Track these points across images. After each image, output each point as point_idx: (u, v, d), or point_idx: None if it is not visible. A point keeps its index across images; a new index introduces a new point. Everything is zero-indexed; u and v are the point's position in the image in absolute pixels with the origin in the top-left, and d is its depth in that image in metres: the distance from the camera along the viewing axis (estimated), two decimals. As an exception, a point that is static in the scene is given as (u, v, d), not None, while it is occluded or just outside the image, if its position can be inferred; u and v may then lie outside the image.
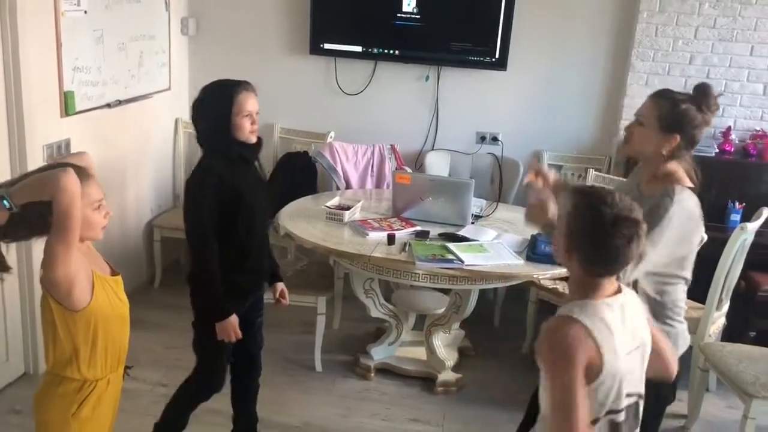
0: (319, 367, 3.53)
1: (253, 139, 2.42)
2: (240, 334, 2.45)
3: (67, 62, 3.26)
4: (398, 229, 3.17)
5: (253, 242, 2.49)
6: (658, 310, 2.11)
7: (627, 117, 4.14)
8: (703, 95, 2.12)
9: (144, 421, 2.77)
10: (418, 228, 3.21)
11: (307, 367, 3.53)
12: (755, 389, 2.76)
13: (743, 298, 3.52)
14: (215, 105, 2.37)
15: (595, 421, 1.59)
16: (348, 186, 4.16)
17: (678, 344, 2.14)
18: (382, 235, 3.09)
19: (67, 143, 3.34)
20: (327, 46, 4.32)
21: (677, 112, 2.10)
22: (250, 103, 2.37)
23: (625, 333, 1.61)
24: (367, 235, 3.10)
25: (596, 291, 1.62)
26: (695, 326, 3.15)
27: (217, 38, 4.52)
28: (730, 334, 3.46)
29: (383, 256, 2.94)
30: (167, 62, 4.26)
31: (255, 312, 2.66)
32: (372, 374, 3.47)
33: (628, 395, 1.63)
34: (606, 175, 3.98)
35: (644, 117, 2.16)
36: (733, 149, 3.94)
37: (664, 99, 2.14)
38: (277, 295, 2.74)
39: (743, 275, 3.35)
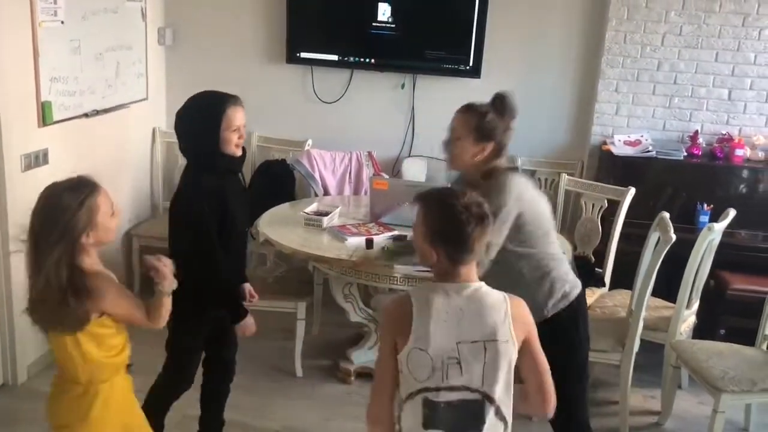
0: (299, 372, 3.55)
1: (239, 153, 2.45)
2: (255, 328, 2.57)
3: (44, 72, 3.27)
4: (376, 234, 3.21)
5: (233, 250, 2.53)
6: (526, 262, 2.31)
7: (598, 122, 4.25)
8: (502, 104, 2.38)
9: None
10: (396, 233, 3.26)
11: (287, 372, 3.56)
12: (724, 384, 2.85)
13: (713, 297, 3.61)
14: (203, 119, 2.37)
15: (410, 396, 1.70)
16: (326, 193, 4.20)
17: (549, 299, 2.31)
18: (361, 240, 3.13)
19: (45, 153, 3.34)
20: (304, 55, 4.36)
21: (485, 122, 2.33)
22: (238, 117, 2.39)
23: (458, 319, 1.69)
24: (346, 240, 3.15)
25: (453, 278, 1.74)
26: (667, 325, 3.24)
27: (194, 48, 4.54)
28: (700, 331, 3.55)
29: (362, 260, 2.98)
30: (144, 72, 4.28)
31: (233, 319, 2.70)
32: (352, 378, 3.50)
33: (454, 388, 1.68)
34: (579, 179, 4.07)
35: (458, 132, 2.37)
36: (700, 153, 4.05)
37: (472, 112, 2.37)
38: (248, 297, 2.77)
39: (712, 274, 3.44)
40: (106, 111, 3.84)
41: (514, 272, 2.28)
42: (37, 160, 3.29)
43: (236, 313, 2.54)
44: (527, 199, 2.30)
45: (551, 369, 1.79)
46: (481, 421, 1.70)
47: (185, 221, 2.41)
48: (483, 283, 1.77)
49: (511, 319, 1.71)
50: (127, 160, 4.24)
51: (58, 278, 1.79)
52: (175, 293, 2.48)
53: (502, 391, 1.71)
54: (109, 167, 4.01)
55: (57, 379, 2.02)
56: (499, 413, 1.72)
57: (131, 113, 4.15)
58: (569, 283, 2.37)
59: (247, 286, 2.78)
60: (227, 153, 2.40)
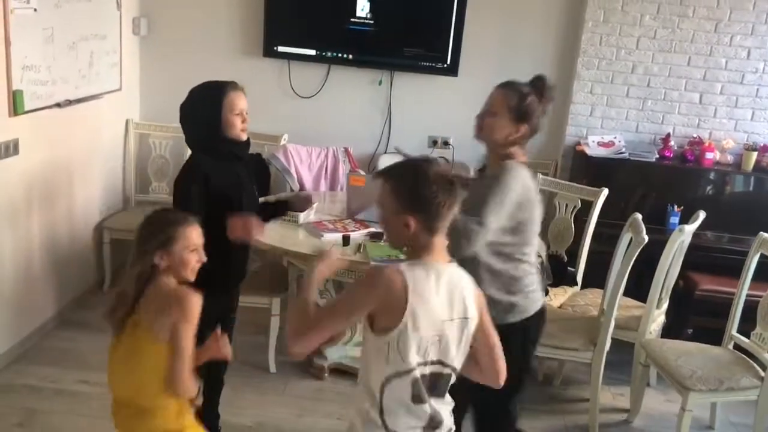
0: (273, 368, 3.54)
1: (244, 137, 2.45)
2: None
3: (16, 61, 3.19)
4: (353, 231, 3.21)
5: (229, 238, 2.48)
6: (494, 279, 2.28)
7: (573, 123, 4.30)
8: (543, 87, 2.33)
9: (98, 424, 2.75)
10: (373, 229, 3.26)
11: (261, 368, 3.54)
12: (692, 383, 2.90)
13: (681, 297, 3.68)
14: (206, 104, 2.38)
15: (398, 375, 1.68)
16: (302, 188, 4.18)
17: (507, 314, 2.29)
18: (337, 236, 3.13)
19: (15, 143, 3.27)
20: (281, 48, 4.34)
21: (525, 104, 2.29)
22: (240, 101, 2.40)
23: (440, 298, 1.69)
24: (322, 236, 3.14)
25: (430, 252, 1.71)
26: (637, 324, 3.29)
27: (169, 39, 4.49)
28: (669, 331, 3.61)
29: (338, 257, 2.97)
30: (118, 62, 4.21)
31: (230, 313, 2.71)
32: (326, 374, 3.50)
33: (431, 363, 1.71)
34: (553, 179, 4.11)
35: (495, 107, 2.33)
36: (672, 155, 4.12)
37: (513, 91, 2.32)
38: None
39: (682, 275, 3.51)
40: (79, 101, 3.77)
41: (480, 285, 2.16)
42: (7, 150, 3.22)
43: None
44: (530, 196, 2.28)
45: None
46: (444, 392, 1.78)
47: (174, 201, 2.40)
48: (455, 264, 1.77)
49: (473, 297, 1.76)
50: (100, 151, 4.18)
51: (130, 288, 1.94)
52: None
53: (461, 362, 1.78)
54: (81, 158, 3.95)
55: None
56: (454, 386, 1.79)
57: (105, 104, 4.09)
58: (531, 300, 2.34)
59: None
60: (231, 137, 2.40)
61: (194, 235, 1.99)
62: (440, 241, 1.73)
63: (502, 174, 2.24)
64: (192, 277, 1.99)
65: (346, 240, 3.10)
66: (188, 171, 2.41)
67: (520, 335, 2.32)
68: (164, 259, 1.93)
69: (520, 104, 2.28)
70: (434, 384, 1.73)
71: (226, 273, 2.53)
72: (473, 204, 2.12)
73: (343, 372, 3.52)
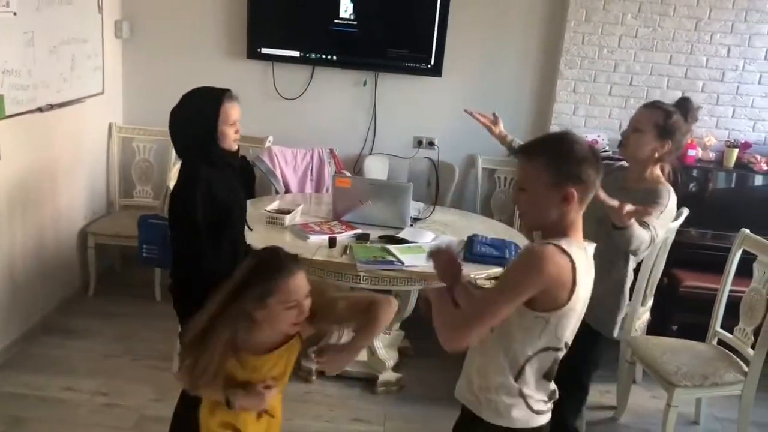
0: (260, 371, 3.53)
1: (235, 147, 2.43)
2: None
3: (-5, 65, 3.17)
4: (339, 233, 3.21)
5: (226, 245, 2.42)
6: (625, 293, 2.59)
7: (556, 122, 4.32)
8: (688, 107, 2.49)
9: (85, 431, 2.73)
10: (359, 231, 3.26)
11: (248, 371, 3.53)
12: (677, 379, 2.93)
13: (666, 294, 3.71)
14: (201, 115, 2.33)
15: (545, 350, 1.70)
16: (287, 190, 4.18)
17: (616, 328, 2.61)
18: (324, 239, 3.12)
19: (-3, 148, 3.25)
20: (264, 50, 4.33)
21: (670, 122, 2.43)
22: (234, 112, 2.37)
23: (589, 278, 1.71)
24: (308, 238, 3.14)
25: (577, 229, 1.69)
26: (623, 321, 3.31)
27: (151, 42, 4.46)
28: (654, 328, 3.64)
29: (325, 259, 2.97)
30: (101, 66, 4.18)
31: None
32: (313, 377, 3.49)
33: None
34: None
35: (641, 124, 2.47)
36: (655, 153, 4.15)
37: (658, 110, 2.47)
38: None
39: (666, 272, 3.53)
40: (60, 105, 3.74)
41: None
42: (-12, 155, 3.19)
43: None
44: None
45: None
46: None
47: (178, 210, 2.32)
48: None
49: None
50: (83, 155, 4.14)
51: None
52: (178, 300, 2.36)
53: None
54: (63, 163, 3.92)
55: None
56: None
57: (87, 108, 4.06)
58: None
59: None
60: (224, 147, 2.38)
61: (294, 287, 1.81)
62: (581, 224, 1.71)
63: (661, 191, 2.42)
64: (278, 333, 1.89)
65: (332, 242, 3.10)
66: (188, 178, 2.34)
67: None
68: (260, 314, 1.79)
69: (665, 122, 2.43)
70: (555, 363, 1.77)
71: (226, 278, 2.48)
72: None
73: (331, 375, 3.52)
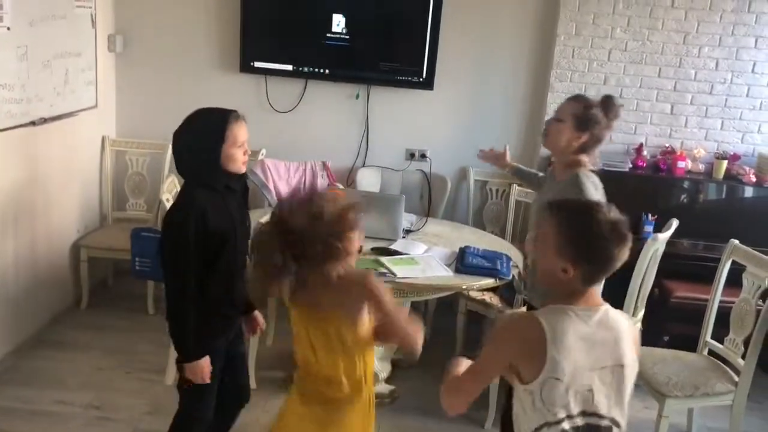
0: (253, 383, 3.50)
1: (244, 169, 2.32)
2: (208, 379, 2.31)
3: (-11, 79, 3.19)
4: (331, 245, 3.22)
5: (235, 271, 2.39)
6: None
7: (548, 134, 4.35)
8: (609, 104, 2.57)
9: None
10: (351, 243, 3.27)
11: (241, 384, 3.52)
12: (668, 389, 2.95)
13: (657, 305, 3.72)
14: (206, 137, 2.24)
15: (546, 426, 1.61)
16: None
17: None
18: (316, 251, 3.13)
19: (-10, 162, 3.26)
20: (257, 64, 4.35)
21: (589, 114, 2.50)
22: (243, 132, 2.27)
23: (591, 346, 1.60)
24: (301, 251, 3.14)
25: (580, 299, 1.62)
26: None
27: (145, 55, 4.48)
28: (645, 338, 3.63)
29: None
30: (94, 80, 4.20)
31: (238, 341, 2.57)
32: (307, 389, 3.49)
33: (586, 414, 1.62)
34: (529, 191, 4.16)
35: (562, 114, 2.57)
36: (645, 164, 4.19)
37: (579, 102, 2.55)
38: (256, 329, 2.66)
39: (656, 283, 3.53)
40: (54, 119, 3.75)
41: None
42: (-19, 169, 3.20)
43: (186, 349, 2.28)
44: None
45: None
46: None
47: (167, 232, 2.25)
48: (608, 305, 1.67)
49: (630, 341, 1.66)
50: (76, 169, 4.15)
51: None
52: (172, 332, 2.29)
53: (625, 413, 1.68)
54: (57, 176, 3.92)
55: None
56: None
57: (80, 121, 4.07)
58: None
59: (256, 315, 2.63)
60: (231, 170, 2.27)
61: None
62: (595, 289, 1.63)
63: (575, 180, 2.46)
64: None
65: (324, 254, 3.10)
66: (185, 201, 2.26)
67: None
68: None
69: (584, 113, 2.50)
70: None
71: (230, 304, 2.41)
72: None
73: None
